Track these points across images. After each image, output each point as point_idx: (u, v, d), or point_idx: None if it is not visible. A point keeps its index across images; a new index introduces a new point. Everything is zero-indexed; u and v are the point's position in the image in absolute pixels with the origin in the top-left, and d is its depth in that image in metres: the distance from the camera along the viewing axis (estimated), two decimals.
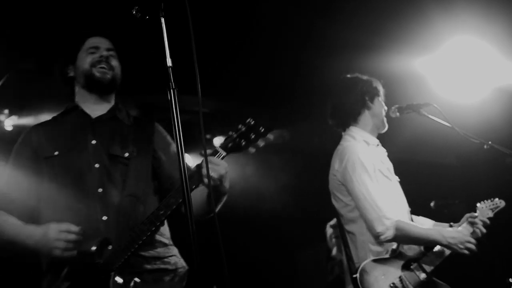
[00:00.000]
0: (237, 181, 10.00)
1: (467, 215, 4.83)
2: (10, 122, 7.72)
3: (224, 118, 9.20)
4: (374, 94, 4.93)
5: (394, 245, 4.60)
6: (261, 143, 3.43)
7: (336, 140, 4.95)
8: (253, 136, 3.41)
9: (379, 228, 4.47)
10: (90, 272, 3.26)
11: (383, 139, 4.98)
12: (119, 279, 3.25)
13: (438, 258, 4.71)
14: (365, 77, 5.03)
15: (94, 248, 3.27)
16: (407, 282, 4.50)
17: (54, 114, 3.94)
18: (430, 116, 4.86)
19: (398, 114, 4.92)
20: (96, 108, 3.83)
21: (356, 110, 4.94)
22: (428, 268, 4.62)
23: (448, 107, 4.94)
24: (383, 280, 4.45)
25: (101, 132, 3.72)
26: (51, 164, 3.62)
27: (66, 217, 3.41)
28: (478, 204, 4.95)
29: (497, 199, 4.99)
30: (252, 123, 3.44)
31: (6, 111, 7.86)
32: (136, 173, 3.62)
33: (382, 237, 4.47)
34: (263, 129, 3.42)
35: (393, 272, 4.51)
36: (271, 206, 9.74)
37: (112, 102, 3.91)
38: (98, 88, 3.82)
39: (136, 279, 3.33)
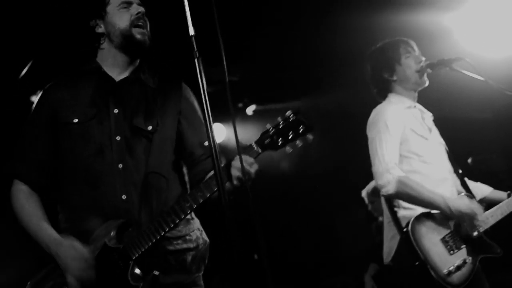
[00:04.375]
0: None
1: None
2: None
3: (255, 85, 9.16)
4: (394, 61, 4.87)
5: None
6: (299, 143, 3.10)
7: (372, 104, 4.91)
8: (291, 135, 3.10)
9: (380, 181, 4.47)
10: (110, 256, 3.19)
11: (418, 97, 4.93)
12: (137, 270, 3.17)
13: (493, 219, 4.73)
14: (383, 44, 4.99)
15: (113, 233, 3.20)
16: (458, 238, 4.47)
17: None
18: (463, 71, 4.76)
19: (429, 70, 4.83)
20: (120, 70, 3.56)
21: (383, 85, 4.94)
22: (481, 227, 4.59)
23: (479, 62, 4.83)
24: (435, 233, 4.43)
25: (124, 100, 3.46)
26: (68, 131, 3.41)
27: (83, 194, 3.33)
28: None
29: None
30: (292, 119, 3.10)
31: (38, 91, 7.93)
32: (159, 148, 3.41)
33: (383, 190, 4.47)
34: (303, 128, 3.08)
35: (445, 227, 4.49)
36: (310, 171, 9.73)
37: (136, 64, 3.63)
38: (136, 51, 3.54)
39: (155, 272, 3.23)
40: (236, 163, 3.07)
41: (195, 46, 2.62)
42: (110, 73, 3.53)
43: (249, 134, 9.54)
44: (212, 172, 3.24)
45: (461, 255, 4.43)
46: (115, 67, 3.55)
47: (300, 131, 3.08)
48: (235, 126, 2.73)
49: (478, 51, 6.30)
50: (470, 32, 6.56)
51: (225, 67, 2.66)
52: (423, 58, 4.86)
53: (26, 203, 3.43)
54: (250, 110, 9.95)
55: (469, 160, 6.66)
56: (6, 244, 6.86)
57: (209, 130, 2.62)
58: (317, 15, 7.21)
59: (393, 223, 4.59)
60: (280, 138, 3.09)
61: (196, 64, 2.62)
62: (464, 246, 4.47)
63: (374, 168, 4.56)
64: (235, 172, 3.07)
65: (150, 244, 3.14)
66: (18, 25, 6.32)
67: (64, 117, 3.43)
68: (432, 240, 4.39)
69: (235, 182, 3.08)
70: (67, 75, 3.64)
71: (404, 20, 6.53)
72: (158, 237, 3.14)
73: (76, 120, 3.40)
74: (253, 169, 3.07)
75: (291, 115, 3.11)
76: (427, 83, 4.88)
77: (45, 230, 3.33)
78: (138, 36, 3.47)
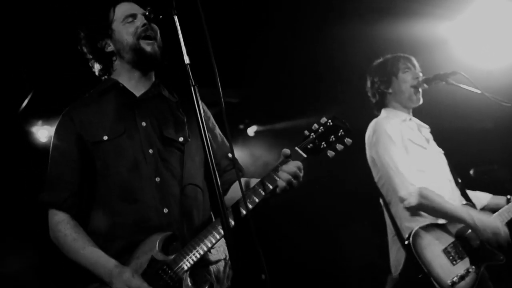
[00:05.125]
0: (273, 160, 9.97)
1: None
2: (44, 133, 7.74)
3: (255, 106, 9.18)
4: (391, 75, 4.96)
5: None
6: (340, 147, 3.13)
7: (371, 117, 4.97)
8: (333, 139, 3.13)
9: (402, 192, 4.51)
10: (160, 270, 3.06)
11: (419, 111, 4.97)
12: (190, 282, 3.06)
13: None
14: (384, 58, 5.08)
15: (159, 247, 3.09)
16: (460, 248, 4.47)
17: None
18: (459, 85, 4.80)
19: (426, 85, 4.88)
20: (139, 86, 3.49)
21: (380, 98, 5.05)
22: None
23: (475, 72, 4.86)
24: (437, 244, 4.43)
25: (150, 112, 3.40)
26: (100, 150, 3.29)
27: (122, 211, 3.22)
28: None
29: None
30: (330, 123, 3.15)
31: (40, 122, 7.87)
32: (192, 159, 3.36)
33: (405, 202, 4.49)
34: (343, 131, 3.14)
35: (447, 237, 4.49)
36: (311, 185, 9.69)
37: (153, 79, 3.56)
38: (148, 64, 3.46)
39: (209, 283, 3.16)
40: (286, 167, 3.08)
41: (190, 74, 2.63)
42: (129, 88, 3.47)
43: (250, 154, 9.61)
44: (256, 180, 3.22)
45: (464, 264, 4.42)
46: (132, 81, 3.49)
47: (340, 135, 3.13)
48: (232, 147, 2.87)
49: (474, 61, 6.31)
50: (466, 42, 6.58)
51: (221, 91, 2.66)
52: (421, 75, 4.91)
53: (73, 232, 3.26)
54: (251, 131, 9.96)
55: (471, 171, 6.66)
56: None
57: (208, 156, 2.63)
58: (314, 33, 7.24)
59: (397, 237, 4.60)
60: (323, 142, 3.13)
61: (193, 92, 2.63)
62: (466, 255, 4.46)
63: (392, 182, 4.60)
64: (285, 175, 3.07)
65: (203, 253, 3.06)
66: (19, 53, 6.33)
67: (93, 136, 3.32)
68: (434, 251, 4.40)
69: (284, 184, 3.07)
70: (85, 96, 3.55)
71: (400, 31, 6.56)
72: (210, 246, 3.07)
73: (106, 137, 3.30)
74: (302, 172, 3.11)
75: (329, 120, 3.16)
76: (421, 101, 4.95)
77: (103, 258, 3.16)
78: (148, 48, 3.39)
